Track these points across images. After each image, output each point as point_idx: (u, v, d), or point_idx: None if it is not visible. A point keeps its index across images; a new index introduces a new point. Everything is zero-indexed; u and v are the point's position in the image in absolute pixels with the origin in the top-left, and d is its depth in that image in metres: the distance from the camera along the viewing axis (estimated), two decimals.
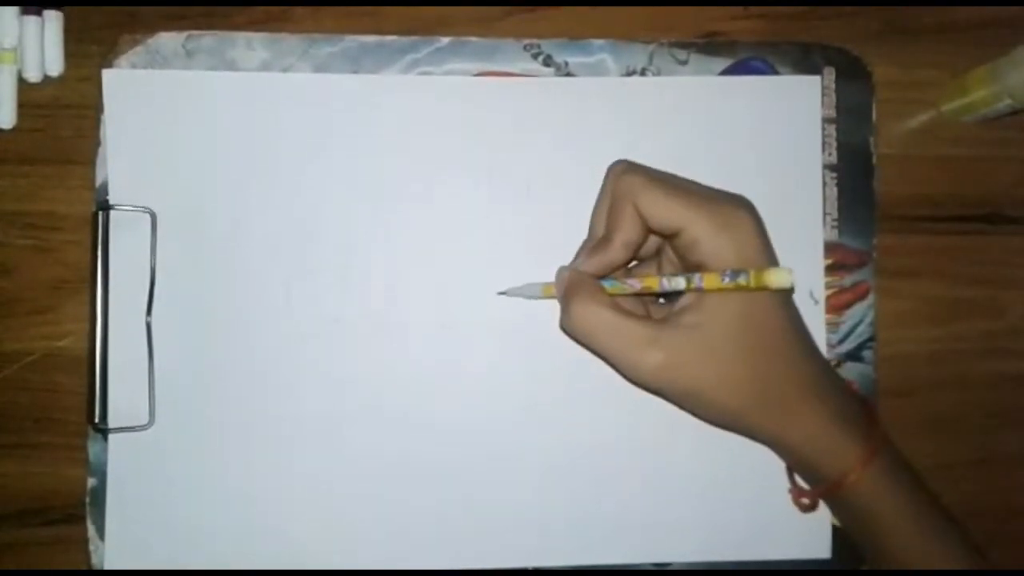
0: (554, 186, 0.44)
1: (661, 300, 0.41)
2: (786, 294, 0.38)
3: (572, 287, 0.38)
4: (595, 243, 0.39)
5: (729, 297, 0.36)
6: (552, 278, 0.40)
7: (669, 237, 0.38)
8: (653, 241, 0.39)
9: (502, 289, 0.42)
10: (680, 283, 0.36)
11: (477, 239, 0.43)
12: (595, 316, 0.37)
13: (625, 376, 0.37)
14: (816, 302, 0.44)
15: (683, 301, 0.37)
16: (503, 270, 0.43)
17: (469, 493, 0.43)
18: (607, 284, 0.38)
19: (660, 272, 0.40)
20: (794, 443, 0.38)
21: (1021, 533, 0.46)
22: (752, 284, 0.35)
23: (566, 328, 0.38)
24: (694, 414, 0.38)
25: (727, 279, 0.35)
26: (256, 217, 0.43)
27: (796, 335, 0.38)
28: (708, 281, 0.36)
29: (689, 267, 0.37)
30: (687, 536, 0.43)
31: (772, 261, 0.37)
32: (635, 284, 0.37)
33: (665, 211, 0.36)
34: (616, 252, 0.38)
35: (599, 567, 0.43)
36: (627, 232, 0.38)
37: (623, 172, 0.38)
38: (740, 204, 0.37)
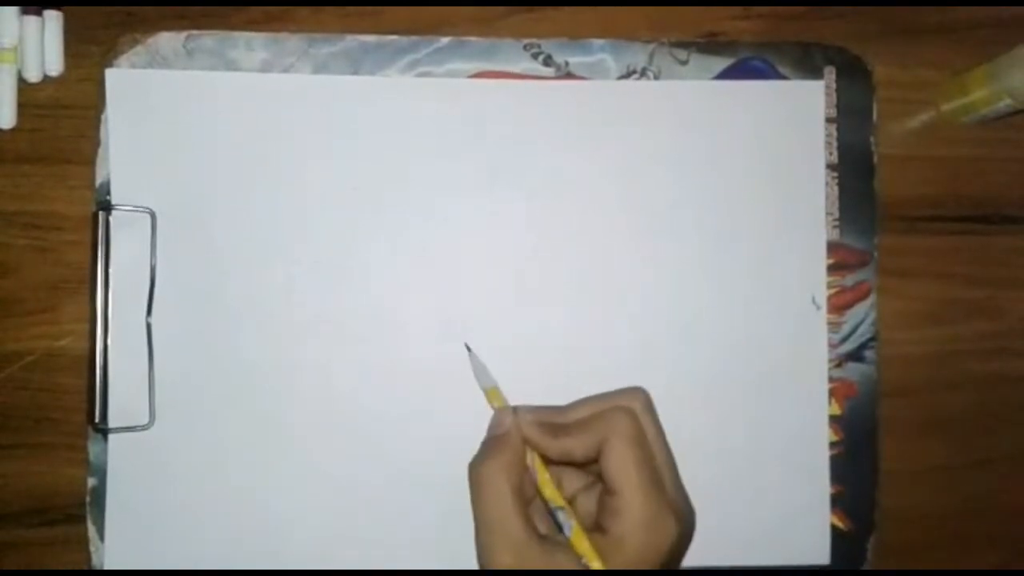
0: (554, 188, 0.44)
1: None
2: None
3: (502, 441, 0.38)
4: (550, 424, 0.38)
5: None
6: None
7: (605, 487, 0.37)
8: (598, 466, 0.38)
9: (469, 345, 0.42)
10: (560, 518, 0.36)
11: (477, 239, 0.43)
12: (495, 485, 0.36)
13: (476, 545, 0.37)
14: (818, 307, 0.44)
15: (566, 535, 0.36)
16: (503, 269, 0.43)
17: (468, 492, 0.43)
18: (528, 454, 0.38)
19: (584, 490, 0.39)
20: None
21: (1021, 533, 0.46)
22: None
23: (471, 472, 0.38)
24: None
25: (581, 563, 0.35)
26: (256, 217, 0.43)
27: None
28: (573, 540, 0.36)
29: (597, 523, 0.37)
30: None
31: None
32: (535, 477, 0.37)
33: (617, 470, 0.36)
34: (553, 449, 0.37)
35: None
36: (576, 448, 0.37)
37: (625, 409, 0.37)
38: (677, 519, 0.36)
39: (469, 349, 0.42)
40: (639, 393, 0.38)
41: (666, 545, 0.36)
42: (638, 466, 0.36)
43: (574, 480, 0.39)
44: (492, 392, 0.40)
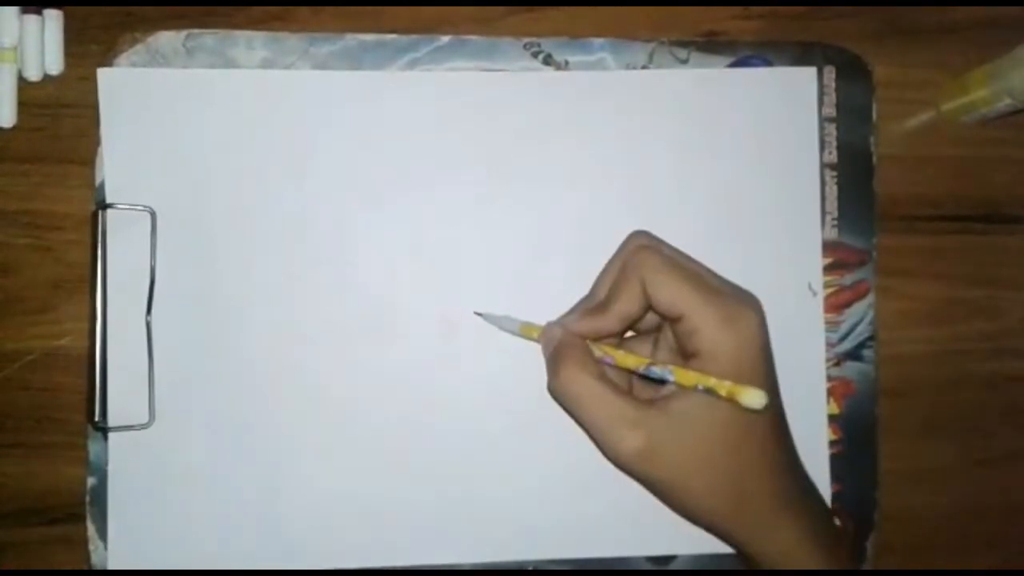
0: (553, 180, 0.44)
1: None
2: (777, 406, 0.37)
3: (562, 349, 0.37)
4: (593, 306, 0.38)
5: (727, 398, 0.35)
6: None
7: (671, 320, 0.37)
8: (653, 317, 0.39)
9: (480, 311, 0.42)
10: (656, 375, 0.36)
11: (478, 236, 0.43)
12: (584, 385, 0.36)
13: (601, 451, 0.37)
14: (814, 293, 0.44)
15: (671, 386, 0.36)
16: (504, 268, 0.43)
17: (468, 491, 0.43)
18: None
19: (655, 349, 0.39)
20: (762, 553, 0.37)
21: (1021, 533, 0.46)
22: (726, 399, 0.34)
23: (553, 391, 0.37)
24: (666, 504, 0.38)
25: (700, 391, 0.35)
26: (256, 216, 0.43)
27: (779, 447, 0.37)
28: (681, 379, 0.35)
29: (684, 353, 0.37)
30: (687, 530, 0.43)
31: (766, 368, 0.36)
32: (611, 360, 0.37)
33: (672, 295, 0.36)
34: (610, 322, 0.37)
35: (599, 560, 0.43)
36: (627, 306, 0.37)
37: (639, 247, 0.37)
38: (748, 303, 0.36)
39: (482, 315, 0.42)
40: (638, 235, 0.39)
41: (754, 330, 0.36)
42: (685, 280, 0.36)
43: (644, 348, 0.39)
44: (525, 328, 0.40)
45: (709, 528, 0.38)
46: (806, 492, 0.39)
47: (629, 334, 0.41)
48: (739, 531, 0.37)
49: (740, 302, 0.36)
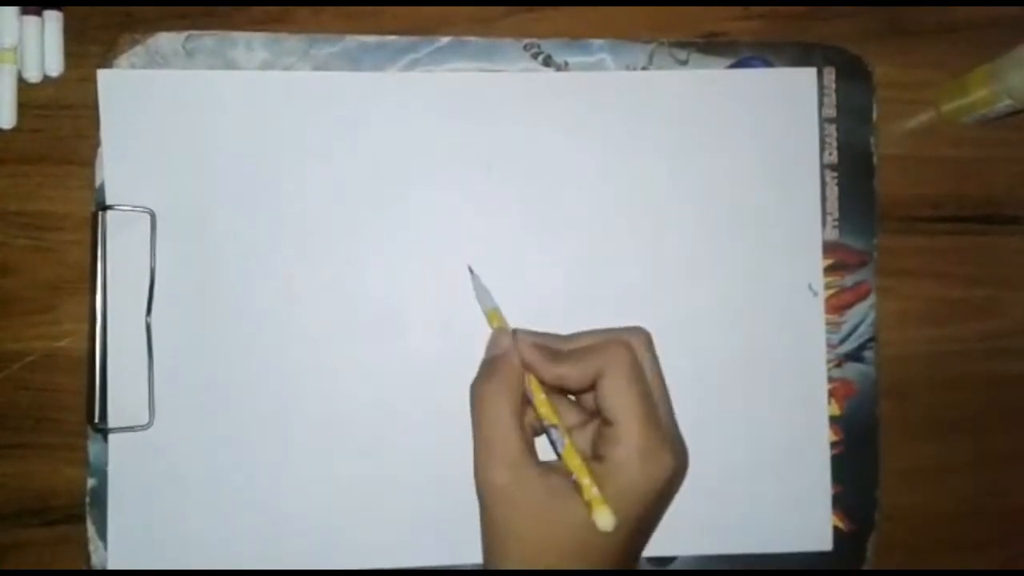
0: (552, 180, 0.44)
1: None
2: (635, 546, 0.38)
3: (501, 361, 0.38)
4: (550, 350, 0.38)
5: (586, 503, 0.35)
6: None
7: (602, 419, 0.37)
8: (593, 404, 0.38)
9: (472, 267, 0.42)
10: (553, 436, 0.37)
11: (477, 236, 0.43)
12: (495, 403, 0.37)
13: (473, 466, 0.37)
14: (815, 294, 0.44)
15: (560, 462, 0.37)
16: (504, 268, 0.43)
17: (469, 491, 0.43)
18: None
19: (583, 427, 0.39)
20: None
21: (1021, 533, 0.46)
22: (584, 499, 0.35)
23: (472, 391, 0.38)
24: (484, 551, 0.38)
25: (572, 479, 0.35)
26: (256, 216, 0.43)
27: (624, 564, 0.37)
28: (565, 456, 0.36)
29: (595, 452, 0.37)
30: (688, 529, 0.43)
31: (651, 514, 0.37)
32: (531, 397, 0.38)
33: (615, 400, 0.36)
34: (549, 373, 0.38)
35: None
36: (572, 375, 0.37)
37: (621, 343, 0.37)
38: (675, 453, 0.36)
39: (472, 271, 0.42)
40: (640, 331, 0.39)
41: (662, 477, 0.36)
42: (636, 397, 0.36)
43: (570, 416, 0.39)
44: (492, 313, 0.41)
45: None
46: None
47: (572, 397, 0.41)
48: None
49: (668, 449, 0.36)
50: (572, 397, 0.40)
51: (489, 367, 0.39)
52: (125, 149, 0.42)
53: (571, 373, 0.37)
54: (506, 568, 0.36)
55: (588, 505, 0.35)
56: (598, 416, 0.38)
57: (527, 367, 0.38)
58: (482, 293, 0.41)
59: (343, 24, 0.44)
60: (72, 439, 0.42)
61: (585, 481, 0.35)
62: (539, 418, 0.38)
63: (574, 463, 0.36)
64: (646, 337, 0.39)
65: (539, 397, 0.38)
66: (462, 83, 0.43)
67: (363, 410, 0.43)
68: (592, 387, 0.37)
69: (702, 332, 0.44)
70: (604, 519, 0.35)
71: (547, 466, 0.37)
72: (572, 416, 0.39)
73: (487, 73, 0.44)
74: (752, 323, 0.44)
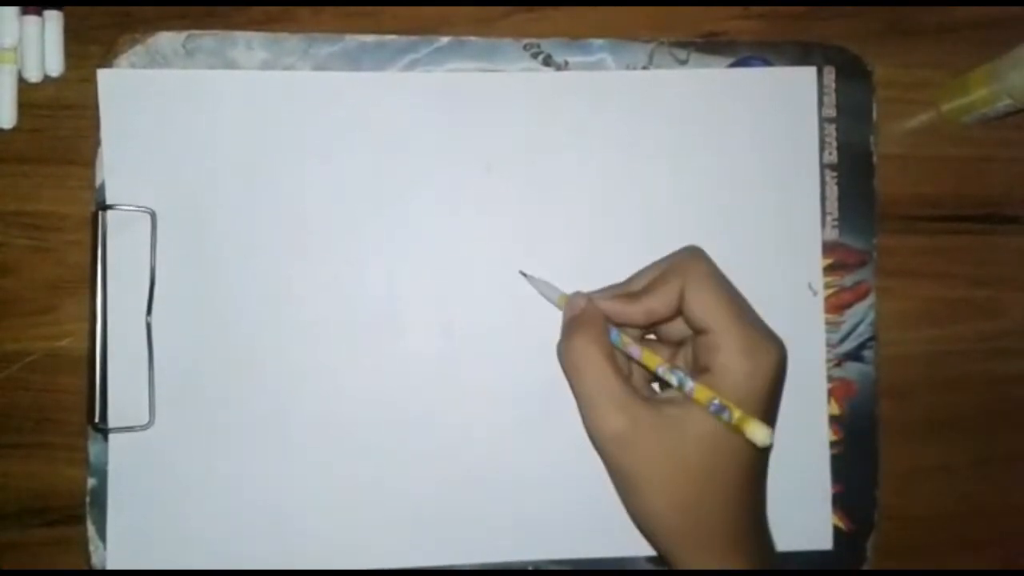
0: (552, 180, 0.44)
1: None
2: (768, 448, 0.37)
3: (581, 317, 0.38)
4: (625, 293, 0.38)
5: (716, 415, 0.35)
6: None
7: (696, 331, 0.37)
8: (679, 331, 0.39)
9: (525, 271, 0.42)
10: (672, 379, 0.36)
11: (477, 234, 0.43)
12: (588, 356, 0.36)
13: (585, 426, 0.37)
14: (815, 294, 0.44)
15: (674, 392, 0.36)
16: (503, 268, 0.43)
17: (469, 491, 0.43)
18: (612, 337, 0.38)
19: (673, 359, 0.39)
20: None
21: (1021, 533, 0.46)
22: (732, 423, 0.34)
23: (560, 354, 0.38)
24: (621, 497, 0.38)
25: (712, 408, 0.35)
26: (256, 216, 0.43)
27: (754, 486, 0.37)
28: (697, 394, 0.35)
29: (698, 367, 0.37)
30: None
31: (771, 408, 0.37)
32: (635, 351, 0.37)
33: (705, 307, 0.36)
34: (637, 312, 0.37)
35: (599, 560, 0.43)
36: (659, 303, 0.37)
37: (692, 256, 0.38)
38: (774, 342, 0.36)
39: (526, 275, 0.42)
40: (696, 247, 0.39)
41: (771, 367, 0.36)
42: (724, 299, 0.36)
43: (662, 354, 0.39)
44: (563, 299, 0.40)
45: (652, 538, 0.38)
46: (761, 538, 0.38)
47: (651, 337, 0.41)
48: (680, 552, 0.36)
49: (766, 338, 0.36)
50: (652, 336, 0.40)
51: (572, 326, 0.38)
52: (125, 149, 0.42)
53: (657, 302, 0.37)
54: (649, 508, 0.36)
55: (737, 426, 0.34)
56: (685, 340, 0.38)
57: (613, 317, 0.38)
58: (545, 288, 0.41)
59: (343, 24, 0.44)
60: (72, 439, 0.42)
61: (727, 403, 0.34)
62: (651, 370, 0.37)
63: (707, 393, 0.35)
64: (700, 250, 0.39)
65: (645, 351, 0.37)
66: (462, 83, 0.43)
67: (363, 410, 0.43)
68: (679, 310, 0.37)
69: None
70: (760, 433, 0.34)
71: (656, 400, 0.36)
72: (664, 354, 0.39)
73: (487, 73, 0.44)
74: None
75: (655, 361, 0.37)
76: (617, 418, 0.35)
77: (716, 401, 0.35)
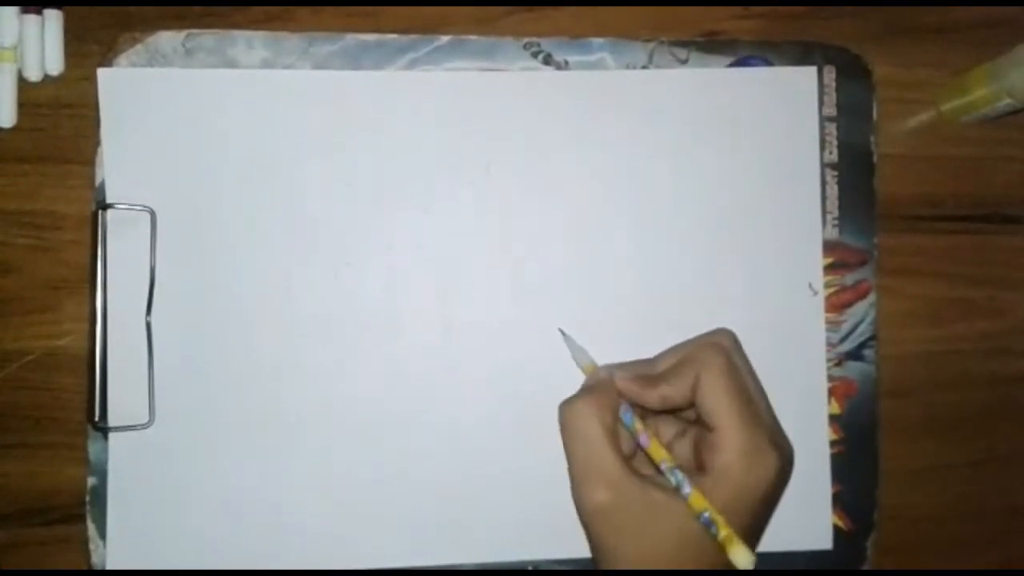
0: (552, 179, 0.44)
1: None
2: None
3: (595, 387, 0.38)
4: (646, 377, 0.38)
5: (720, 543, 0.35)
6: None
7: (703, 426, 0.37)
8: (693, 413, 0.38)
9: (564, 328, 0.42)
10: (672, 480, 0.36)
11: (477, 234, 0.43)
12: (587, 424, 0.36)
13: (571, 489, 0.37)
14: (815, 293, 0.44)
15: (667, 476, 0.36)
16: (504, 267, 0.43)
17: (469, 491, 0.43)
18: (625, 417, 0.38)
19: (679, 437, 0.39)
20: None
21: (1021, 533, 0.46)
22: (718, 539, 0.34)
23: (560, 411, 0.38)
24: (596, 564, 0.37)
25: (702, 519, 0.35)
26: (256, 215, 0.43)
27: None
28: (692, 500, 0.35)
29: (698, 462, 0.37)
30: None
31: (763, 517, 0.37)
32: (644, 440, 0.37)
33: (714, 404, 0.36)
34: (652, 397, 0.37)
35: None
36: (674, 392, 0.37)
37: (713, 348, 0.37)
38: (778, 450, 0.36)
39: (564, 333, 0.42)
40: (726, 332, 0.39)
41: (768, 476, 0.35)
42: (733, 397, 0.36)
43: (668, 428, 0.39)
44: (588, 367, 0.40)
45: None
46: None
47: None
48: None
49: (771, 445, 0.36)
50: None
51: (582, 391, 0.38)
52: (125, 148, 0.42)
53: (672, 390, 0.37)
54: None
55: (722, 546, 0.34)
56: (696, 425, 0.37)
57: (629, 397, 0.38)
58: (578, 352, 0.41)
59: (343, 23, 0.44)
60: (72, 438, 0.42)
61: (717, 519, 0.34)
62: (655, 462, 0.37)
63: (701, 503, 0.35)
64: (733, 337, 0.38)
65: (653, 443, 0.37)
66: (462, 82, 0.43)
67: (363, 410, 0.43)
68: (694, 399, 0.37)
69: (702, 330, 0.44)
70: (743, 558, 0.34)
71: (646, 480, 0.36)
72: (670, 428, 0.39)
73: (487, 72, 0.44)
74: (752, 322, 0.44)
75: (660, 455, 0.37)
76: (601, 492, 0.35)
77: (706, 514, 0.35)
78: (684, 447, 0.38)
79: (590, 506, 0.36)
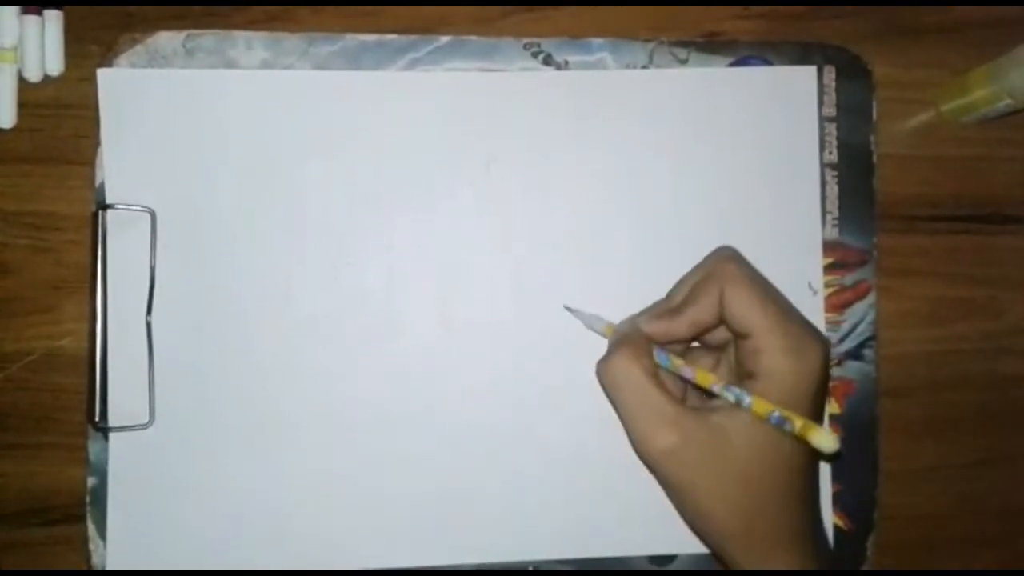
0: (552, 180, 0.44)
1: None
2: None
3: (622, 339, 0.38)
4: (667, 309, 0.38)
5: (776, 427, 0.35)
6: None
7: (738, 336, 0.37)
8: (722, 335, 0.39)
9: (569, 305, 0.42)
10: (730, 396, 0.36)
11: (477, 234, 0.43)
12: (629, 374, 0.36)
13: (632, 444, 0.37)
14: (815, 293, 0.44)
15: (720, 400, 0.36)
16: (504, 267, 0.43)
17: (469, 491, 0.43)
18: (661, 359, 0.38)
19: (716, 366, 0.39)
20: None
21: (1021, 533, 0.46)
22: (795, 433, 0.34)
23: (599, 374, 0.38)
24: (679, 511, 0.38)
25: (773, 420, 0.35)
26: (256, 216, 0.43)
27: (808, 483, 0.37)
28: (756, 407, 0.35)
29: (743, 372, 0.37)
30: (688, 530, 0.43)
31: (821, 407, 0.37)
32: (688, 373, 0.37)
33: (745, 311, 0.36)
34: (681, 326, 0.37)
35: (599, 560, 0.43)
36: (701, 313, 0.37)
37: (727, 258, 0.38)
38: (818, 340, 0.36)
39: (571, 309, 0.42)
40: (728, 247, 0.39)
41: (815, 368, 0.36)
42: (762, 300, 0.36)
43: (705, 361, 0.39)
44: (607, 328, 0.40)
45: (708, 541, 0.38)
46: (816, 531, 0.38)
47: (694, 344, 0.41)
48: (738, 553, 0.37)
49: (808, 335, 0.36)
50: (695, 343, 0.40)
51: (611, 346, 0.38)
52: (125, 149, 0.42)
53: (699, 311, 0.37)
54: (704, 515, 0.36)
55: (801, 438, 0.34)
56: (727, 344, 0.38)
57: (658, 336, 0.38)
58: (591, 320, 0.41)
59: (343, 23, 0.44)
60: (72, 438, 0.42)
61: (787, 414, 0.34)
62: (706, 388, 0.37)
63: (766, 406, 0.35)
64: (733, 250, 0.39)
65: (698, 371, 0.37)
66: (462, 82, 0.43)
67: (363, 409, 0.43)
68: (721, 318, 0.37)
69: None
70: (827, 441, 0.34)
71: (701, 411, 0.36)
72: (706, 360, 0.39)
73: (487, 72, 0.44)
74: None
75: (709, 380, 0.37)
76: (664, 434, 0.35)
77: (776, 414, 0.34)
78: (724, 372, 0.38)
79: (657, 450, 0.36)
